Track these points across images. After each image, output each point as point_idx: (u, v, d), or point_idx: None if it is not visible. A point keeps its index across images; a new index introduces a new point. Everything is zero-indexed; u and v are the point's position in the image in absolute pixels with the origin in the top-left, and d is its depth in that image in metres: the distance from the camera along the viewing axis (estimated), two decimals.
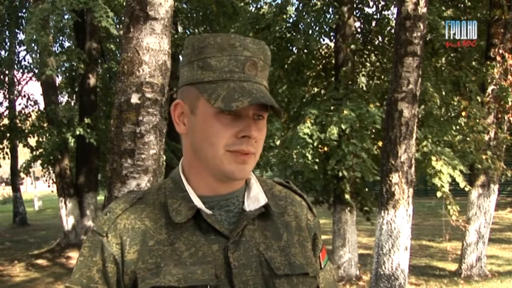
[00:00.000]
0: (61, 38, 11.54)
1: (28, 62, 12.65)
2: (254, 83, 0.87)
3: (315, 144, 5.80)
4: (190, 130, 0.92)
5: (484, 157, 6.25)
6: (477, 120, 6.26)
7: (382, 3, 7.32)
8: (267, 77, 0.93)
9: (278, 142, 6.55)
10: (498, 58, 6.43)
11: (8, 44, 11.74)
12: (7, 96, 12.62)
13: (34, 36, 6.70)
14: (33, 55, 10.43)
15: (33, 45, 7.10)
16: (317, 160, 5.91)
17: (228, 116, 0.86)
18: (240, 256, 0.88)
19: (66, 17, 8.17)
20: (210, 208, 0.91)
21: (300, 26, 7.05)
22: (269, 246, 0.91)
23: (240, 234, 0.89)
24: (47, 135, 8.70)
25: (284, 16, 7.34)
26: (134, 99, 2.72)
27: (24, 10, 11.06)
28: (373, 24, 7.49)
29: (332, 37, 7.35)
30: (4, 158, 11.80)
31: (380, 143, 5.85)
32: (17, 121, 10.72)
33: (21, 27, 11.37)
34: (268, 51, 0.92)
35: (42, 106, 10.48)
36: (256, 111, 0.88)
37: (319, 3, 7.13)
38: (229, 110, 0.84)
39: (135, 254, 0.87)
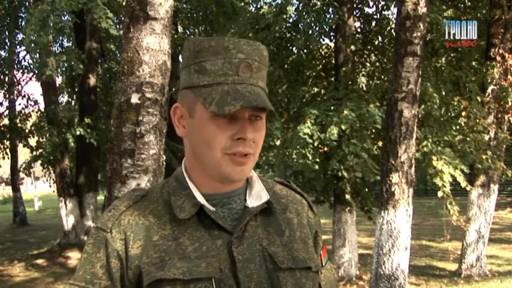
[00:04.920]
0: (60, 38, 11.53)
1: (28, 62, 12.63)
2: (248, 85, 0.88)
3: (315, 144, 5.81)
4: (189, 133, 0.93)
5: (484, 157, 6.24)
6: (477, 120, 6.25)
7: (382, 3, 7.32)
8: (265, 77, 0.93)
9: (278, 142, 6.54)
10: (498, 58, 6.42)
11: (8, 44, 11.74)
12: (7, 96, 12.61)
13: (33, 37, 6.69)
14: (33, 56, 10.41)
15: (33, 45, 7.08)
16: (317, 160, 5.91)
17: (224, 119, 0.87)
18: (243, 250, 0.89)
19: (65, 18, 8.16)
20: (213, 206, 0.92)
21: (300, 26, 7.05)
22: (272, 241, 0.93)
23: (243, 229, 0.91)
24: (47, 135, 8.69)
25: (284, 16, 7.34)
26: (134, 99, 2.72)
27: (23, 10, 11.05)
28: (373, 24, 7.49)
29: (332, 37, 7.35)
30: (4, 158, 11.82)
31: (380, 143, 5.85)
32: (17, 121, 10.71)
33: (21, 27, 11.36)
34: (264, 51, 0.92)
35: (42, 106, 10.48)
36: (252, 112, 0.89)
37: (319, 3, 7.12)
38: (222, 114, 0.85)
39: (139, 249, 0.88)
